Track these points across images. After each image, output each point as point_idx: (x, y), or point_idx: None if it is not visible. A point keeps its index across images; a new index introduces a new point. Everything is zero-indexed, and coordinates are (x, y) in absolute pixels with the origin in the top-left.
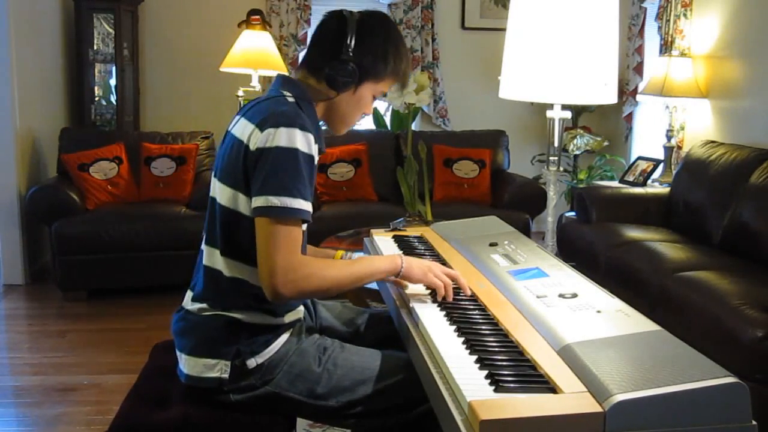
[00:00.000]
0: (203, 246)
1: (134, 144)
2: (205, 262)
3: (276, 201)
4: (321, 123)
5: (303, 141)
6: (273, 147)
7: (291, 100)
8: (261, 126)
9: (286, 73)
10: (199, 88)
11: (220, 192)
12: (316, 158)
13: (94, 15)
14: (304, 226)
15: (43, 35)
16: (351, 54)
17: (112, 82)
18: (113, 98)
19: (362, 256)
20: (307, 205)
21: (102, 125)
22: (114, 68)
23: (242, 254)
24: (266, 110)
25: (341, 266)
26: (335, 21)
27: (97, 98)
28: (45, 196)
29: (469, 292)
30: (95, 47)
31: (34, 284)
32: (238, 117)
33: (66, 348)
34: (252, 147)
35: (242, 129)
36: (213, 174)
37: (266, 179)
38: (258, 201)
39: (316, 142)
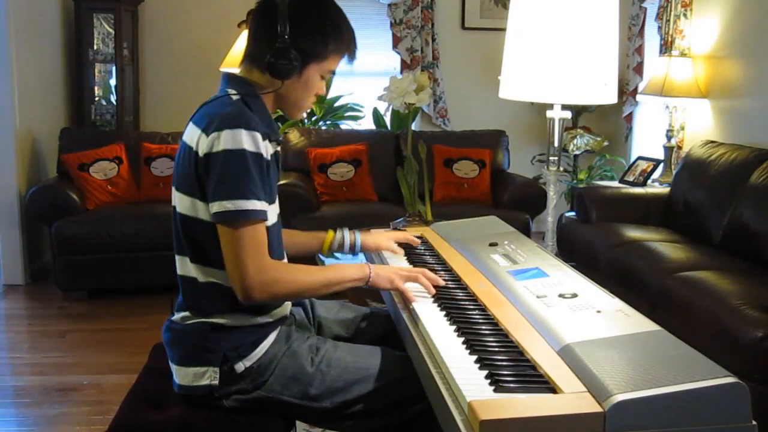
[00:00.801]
0: (175, 256)
1: (134, 144)
2: (179, 271)
3: (230, 205)
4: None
5: (249, 140)
6: (220, 151)
7: (236, 98)
8: (206, 130)
9: (231, 70)
10: (199, 88)
11: (179, 201)
12: (267, 154)
13: (94, 15)
14: (269, 222)
15: (43, 35)
16: (287, 39)
17: (112, 82)
18: (113, 98)
19: (332, 264)
20: (261, 205)
21: (102, 125)
22: (114, 68)
23: (210, 260)
24: (211, 113)
25: (312, 272)
26: (267, 9)
27: (97, 98)
28: (45, 196)
29: (441, 283)
30: (95, 47)
31: (34, 284)
32: (189, 122)
33: (66, 348)
34: (200, 153)
35: (191, 135)
36: (172, 183)
37: (217, 184)
38: (213, 207)
39: (265, 138)
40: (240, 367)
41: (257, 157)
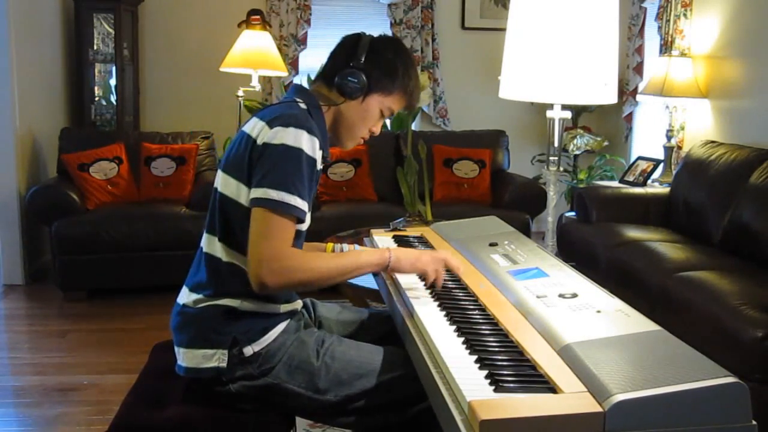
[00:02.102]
0: (204, 234)
1: (134, 144)
2: (205, 249)
3: (274, 194)
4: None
5: (308, 143)
6: (279, 144)
7: (303, 106)
8: (271, 123)
9: (302, 84)
10: (199, 88)
11: (223, 182)
12: (319, 163)
13: (94, 15)
14: (300, 226)
15: (43, 35)
16: (361, 65)
17: (112, 82)
18: (113, 98)
19: (350, 250)
20: (302, 204)
21: (102, 125)
22: (114, 68)
23: (237, 243)
24: (278, 111)
25: (328, 259)
26: (351, 39)
27: (97, 98)
28: (45, 196)
29: (461, 271)
30: (95, 47)
31: (34, 284)
32: (251, 117)
33: (66, 348)
34: (259, 141)
35: (253, 126)
36: (219, 167)
37: (267, 173)
38: (256, 192)
39: (320, 148)
40: (249, 351)
41: (311, 161)
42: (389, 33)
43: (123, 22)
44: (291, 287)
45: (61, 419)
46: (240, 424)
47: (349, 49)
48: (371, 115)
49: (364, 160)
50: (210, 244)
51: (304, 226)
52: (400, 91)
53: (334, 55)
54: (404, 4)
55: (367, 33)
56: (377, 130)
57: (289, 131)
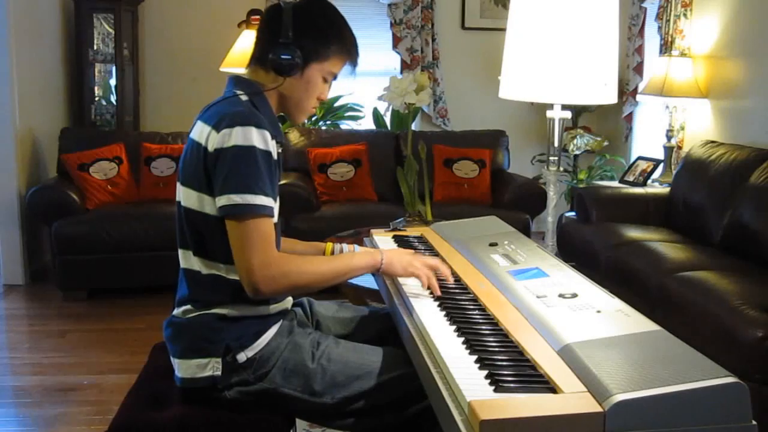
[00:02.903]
0: (179, 250)
1: (134, 144)
2: (182, 264)
3: (238, 199)
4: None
5: (259, 138)
6: (230, 146)
7: (244, 98)
8: (217, 127)
9: (238, 73)
10: (199, 88)
11: (184, 195)
12: (275, 154)
13: (94, 15)
14: (274, 220)
15: (43, 35)
16: (291, 37)
17: (112, 82)
18: (113, 98)
19: (344, 252)
20: (268, 201)
21: (102, 125)
22: (114, 68)
23: (213, 253)
24: (221, 112)
25: (320, 262)
26: (273, 11)
27: (97, 98)
28: (45, 196)
29: (451, 280)
30: (95, 47)
31: (34, 284)
32: (196, 120)
33: (66, 348)
34: (210, 148)
35: (200, 132)
36: (177, 179)
37: (226, 178)
38: (221, 200)
39: (273, 138)
40: (242, 357)
41: (266, 155)
42: (389, 33)
43: (123, 22)
44: (285, 292)
45: (61, 419)
46: (240, 424)
47: (274, 23)
48: (314, 85)
49: (364, 160)
50: (186, 260)
51: (274, 219)
52: (337, 53)
53: (260, 33)
54: (404, 4)
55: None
56: (325, 96)
57: (236, 131)
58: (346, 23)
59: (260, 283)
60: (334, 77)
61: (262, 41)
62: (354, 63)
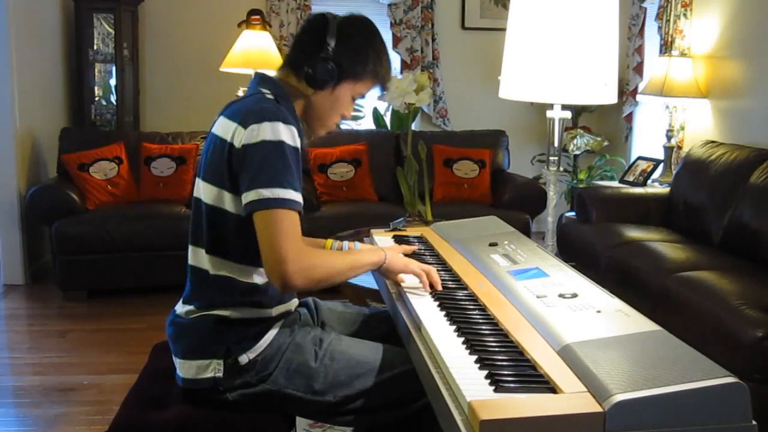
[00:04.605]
0: (189, 246)
1: (134, 144)
2: (190, 262)
3: (268, 193)
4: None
5: (287, 133)
6: (259, 142)
7: (270, 97)
8: (244, 123)
9: (265, 72)
10: (199, 88)
11: (204, 191)
12: (300, 151)
13: (94, 15)
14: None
15: (43, 35)
16: (331, 53)
17: (112, 82)
18: (113, 98)
19: (351, 249)
20: (297, 196)
21: (102, 125)
22: (114, 68)
23: (227, 252)
24: (247, 108)
25: (336, 256)
26: (318, 23)
27: (97, 98)
28: (45, 196)
29: (440, 288)
30: (95, 47)
31: (34, 284)
32: (219, 117)
33: (66, 348)
34: (237, 145)
35: (224, 128)
36: (197, 175)
37: (256, 174)
38: (249, 196)
39: (299, 135)
40: (244, 359)
41: (294, 151)
42: (389, 33)
43: (123, 22)
44: (314, 285)
45: (61, 419)
46: (240, 424)
47: (317, 34)
48: (342, 102)
49: (364, 160)
50: (196, 257)
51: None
52: (371, 76)
53: (300, 41)
54: (404, 4)
55: (333, 14)
56: (349, 113)
57: (264, 126)
58: (385, 48)
59: (294, 273)
60: (361, 97)
61: (301, 49)
62: (384, 88)
